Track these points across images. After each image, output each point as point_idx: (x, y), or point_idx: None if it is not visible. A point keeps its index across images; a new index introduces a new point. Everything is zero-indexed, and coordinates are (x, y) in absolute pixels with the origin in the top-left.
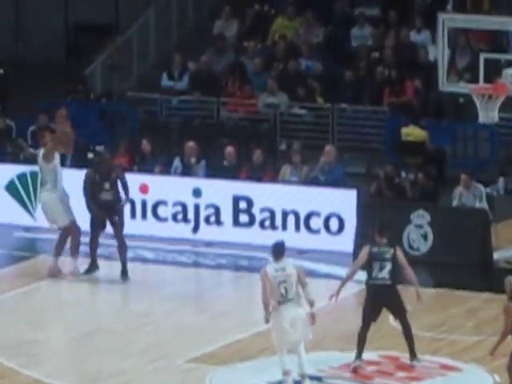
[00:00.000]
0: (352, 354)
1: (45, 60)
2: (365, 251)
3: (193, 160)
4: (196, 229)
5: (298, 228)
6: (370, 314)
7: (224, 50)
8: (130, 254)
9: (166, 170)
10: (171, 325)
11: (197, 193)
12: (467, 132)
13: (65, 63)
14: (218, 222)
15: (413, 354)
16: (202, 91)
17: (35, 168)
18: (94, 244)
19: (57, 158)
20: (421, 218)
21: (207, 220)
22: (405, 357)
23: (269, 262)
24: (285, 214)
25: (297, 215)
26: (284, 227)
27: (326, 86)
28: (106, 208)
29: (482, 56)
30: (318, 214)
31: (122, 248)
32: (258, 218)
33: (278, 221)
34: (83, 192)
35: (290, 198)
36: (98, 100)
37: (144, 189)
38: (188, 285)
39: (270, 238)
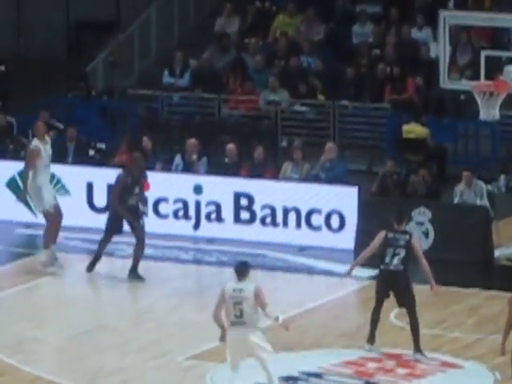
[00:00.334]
0: (352, 351)
1: (46, 57)
2: (381, 235)
3: (194, 157)
4: (197, 226)
5: (298, 225)
6: (381, 296)
7: (226, 47)
8: (130, 250)
9: (167, 167)
10: (172, 322)
11: (198, 190)
12: (468, 129)
13: (66, 60)
14: (219, 218)
15: (417, 347)
16: (203, 88)
17: None
18: (103, 247)
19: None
20: (422, 215)
21: (208, 217)
22: (406, 354)
23: (231, 280)
24: (286, 211)
25: (298, 212)
26: (285, 224)
27: (327, 83)
28: (131, 213)
29: (483, 53)
30: (318, 211)
31: (140, 248)
32: (259, 214)
33: (279, 218)
34: (112, 194)
35: (290, 195)
36: (100, 97)
37: (145, 186)
38: (189, 282)
39: (271, 234)
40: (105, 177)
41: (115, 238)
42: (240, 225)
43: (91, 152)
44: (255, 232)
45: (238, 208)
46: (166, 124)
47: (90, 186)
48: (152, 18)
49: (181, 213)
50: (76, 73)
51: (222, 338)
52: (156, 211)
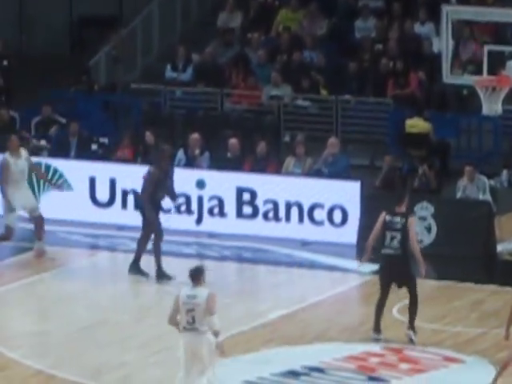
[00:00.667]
0: (355, 346)
1: (48, 53)
2: (381, 218)
3: (196, 152)
4: (199, 220)
5: (301, 220)
6: (384, 282)
7: (229, 42)
8: (132, 245)
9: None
10: None
11: (200, 184)
12: (471, 124)
13: (69, 56)
14: (222, 213)
15: (411, 325)
16: (205, 83)
17: (39, 160)
18: (143, 245)
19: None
20: (424, 210)
21: (211, 212)
22: (408, 348)
23: (186, 285)
24: (288, 206)
25: (300, 207)
26: (287, 219)
27: (330, 78)
28: (160, 208)
29: (486, 48)
30: (321, 206)
31: (144, 242)
32: (262, 209)
33: (282, 212)
34: (142, 192)
35: (293, 189)
36: (102, 91)
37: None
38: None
39: (273, 229)
40: (107, 171)
41: (117, 233)
42: (242, 219)
43: (94, 146)
44: (258, 227)
45: (240, 203)
46: (168, 119)
47: (92, 181)
48: (154, 12)
49: (183, 207)
50: (78, 68)
51: None
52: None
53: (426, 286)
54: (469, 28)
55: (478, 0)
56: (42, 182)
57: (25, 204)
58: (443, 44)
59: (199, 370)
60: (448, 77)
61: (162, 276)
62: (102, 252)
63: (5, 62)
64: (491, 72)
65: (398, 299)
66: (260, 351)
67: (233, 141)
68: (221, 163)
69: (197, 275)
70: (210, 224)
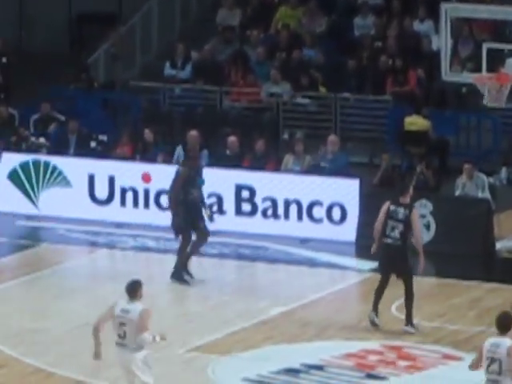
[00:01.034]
0: (354, 343)
1: (48, 50)
2: (384, 207)
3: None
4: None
5: (300, 217)
6: (385, 271)
7: (229, 39)
8: (131, 242)
9: (169, 159)
10: (173, 314)
11: (199, 182)
12: (470, 122)
13: (68, 53)
14: (221, 210)
15: (408, 320)
16: (204, 80)
17: (38, 157)
18: (184, 248)
19: None
20: (423, 207)
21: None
22: (407, 346)
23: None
24: (287, 203)
25: (299, 204)
26: (286, 216)
27: (329, 76)
28: (194, 206)
29: (485, 46)
30: (320, 204)
31: (197, 244)
32: (261, 207)
33: (281, 210)
34: (170, 191)
35: (292, 187)
36: (101, 89)
37: (146, 178)
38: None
39: (272, 227)
40: (106, 169)
41: (116, 230)
42: (241, 217)
43: (93, 144)
44: (257, 224)
45: (239, 200)
46: (167, 116)
47: (91, 178)
48: (153, 10)
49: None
50: (78, 66)
51: (96, 355)
52: (158, 203)
53: (424, 283)
54: (468, 26)
55: None
56: (41, 178)
57: None
58: (442, 42)
59: (140, 381)
60: (447, 74)
61: (178, 276)
62: (101, 249)
63: (4, 60)
64: (490, 69)
65: (396, 297)
66: (259, 349)
67: (232, 138)
68: (220, 161)
69: (133, 289)
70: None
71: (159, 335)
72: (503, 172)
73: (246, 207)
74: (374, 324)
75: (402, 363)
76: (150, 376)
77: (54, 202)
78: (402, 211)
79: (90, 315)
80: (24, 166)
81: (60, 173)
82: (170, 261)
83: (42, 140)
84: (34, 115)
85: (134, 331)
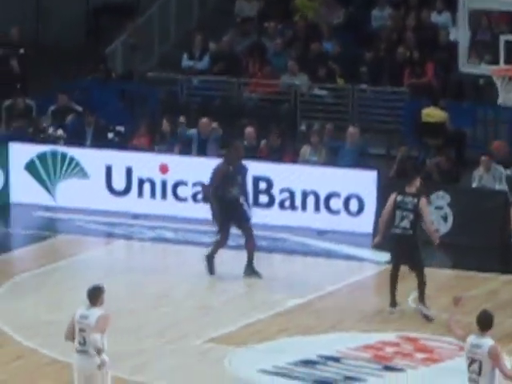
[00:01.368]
0: (371, 335)
1: (65, 41)
2: (391, 199)
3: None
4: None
5: (317, 209)
6: (394, 261)
7: (247, 31)
8: (148, 234)
9: (186, 150)
10: (190, 305)
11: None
12: (487, 114)
13: (85, 44)
14: None
15: (421, 298)
16: (222, 71)
17: (55, 148)
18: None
19: None
20: (441, 199)
21: None
22: (424, 338)
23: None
24: (304, 195)
25: (317, 196)
26: (304, 208)
27: (347, 67)
28: (232, 204)
29: (503, 38)
30: (337, 195)
31: (249, 242)
32: (278, 198)
33: (298, 201)
34: (208, 185)
35: (309, 178)
36: (119, 80)
37: (164, 169)
38: None
39: (289, 218)
40: (124, 160)
41: (133, 221)
42: (259, 208)
43: (110, 135)
44: (274, 216)
45: (256, 192)
46: (185, 107)
47: (108, 169)
48: (171, 0)
49: (200, 196)
50: (95, 57)
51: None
52: (175, 194)
53: (441, 275)
54: (486, 17)
55: None
56: (58, 169)
57: None
58: (460, 33)
59: None
60: (464, 66)
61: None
62: (118, 240)
63: (21, 51)
64: (508, 61)
65: (412, 289)
66: (275, 340)
67: (249, 129)
68: None
69: (94, 295)
70: None
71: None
72: None
73: (263, 199)
74: (392, 313)
75: (419, 355)
76: (109, 381)
77: (71, 193)
78: (410, 200)
79: (106, 307)
80: (41, 157)
81: (77, 164)
82: (188, 252)
83: (59, 131)
84: (51, 106)
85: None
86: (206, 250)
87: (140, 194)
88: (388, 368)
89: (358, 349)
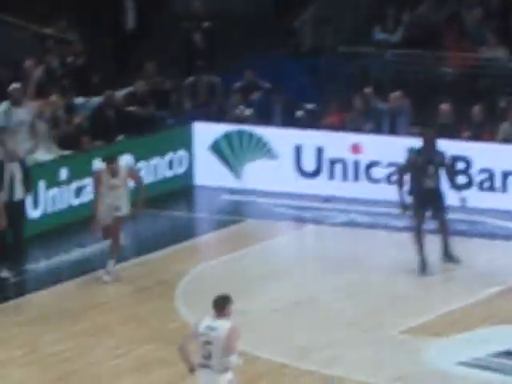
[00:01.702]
0: None
1: (252, 14)
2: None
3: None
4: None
5: None
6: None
7: (445, 0)
8: (340, 218)
9: (378, 128)
10: (384, 294)
11: (414, 152)
12: None
13: (273, 17)
14: None
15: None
16: (417, 44)
17: (242, 127)
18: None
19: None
20: None
21: None
22: None
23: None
24: (505, 176)
25: None
26: (504, 189)
27: None
28: (428, 197)
29: None
30: None
31: (444, 230)
32: (477, 179)
33: (498, 182)
34: (398, 175)
35: (510, 158)
36: (309, 55)
37: (356, 149)
38: (403, 251)
39: (489, 200)
40: (314, 139)
41: (323, 205)
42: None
43: (299, 113)
44: (472, 197)
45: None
46: (377, 82)
47: (298, 150)
48: None
49: (394, 177)
50: (283, 30)
51: (191, 369)
52: (368, 176)
53: None
54: None
55: None
56: (245, 150)
57: None
58: None
59: None
60: None
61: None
62: (308, 225)
63: (206, 24)
64: None
65: None
66: (475, 330)
67: (444, 106)
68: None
69: (222, 305)
70: None
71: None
72: None
73: (462, 179)
74: None
75: None
76: None
77: (258, 174)
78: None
79: (297, 296)
80: (227, 137)
81: (265, 144)
82: (382, 237)
83: (247, 110)
84: (236, 83)
85: (221, 351)
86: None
87: (331, 175)
88: None
89: None
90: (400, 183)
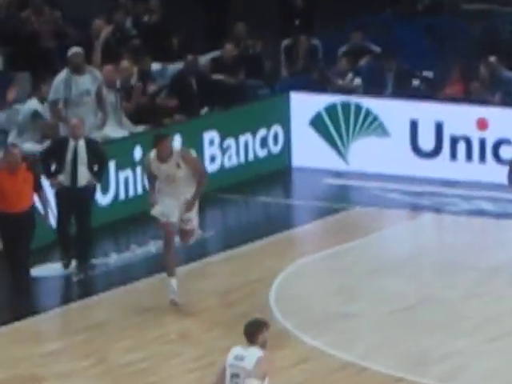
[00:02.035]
0: None
1: None
2: None
3: None
4: None
5: None
6: None
7: None
8: (463, 205)
9: (507, 101)
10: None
11: None
12: None
13: None
14: None
15: None
16: None
17: (347, 98)
18: None
19: None
20: None
21: None
22: None
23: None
24: None
25: None
26: None
27: None
28: None
29: None
30: None
31: None
32: None
33: None
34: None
35: None
36: (425, 13)
37: (482, 124)
38: None
39: None
40: (432, 113)
41: (445, 190)
42: None
43: (415, 82)
44: None
45: None
46: (507, 45)
47: (413, 125)
48: None
49: None
50: None
51: None
52: (496, 156)
53: None
54: None
55: None
56: (351, 126)
57: None
58: None
59: None
60: None
61: None
62: (426, 213)
63: None
64: None
65: None
66: None
67: None
68: None
69: (253, 331)
70: None
71: None
72: None
73: None
74: None
75: None
76: None
77: (367, 154)
78: None
79: (412, 295)
80: (330, 110)
81: (375, 118)
82: (511, 227)
83: (355, 79)
84: (341, 47)
85: (249, 382)
86: None
87: (453, 156)
88: None
89: None
90: None
